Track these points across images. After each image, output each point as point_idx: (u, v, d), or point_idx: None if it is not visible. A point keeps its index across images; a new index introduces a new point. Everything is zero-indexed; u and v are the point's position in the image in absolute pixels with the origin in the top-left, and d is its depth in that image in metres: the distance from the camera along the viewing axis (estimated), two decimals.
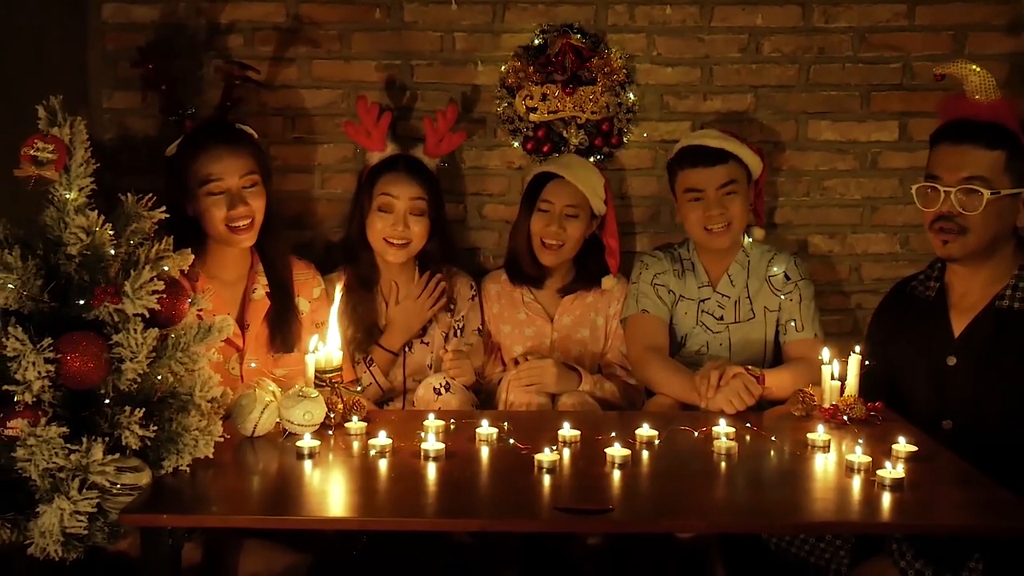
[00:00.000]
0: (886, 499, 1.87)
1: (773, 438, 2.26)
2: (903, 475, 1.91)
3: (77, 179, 1.94)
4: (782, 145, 3.26)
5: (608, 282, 3.07)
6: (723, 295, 2.97)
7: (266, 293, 2.67)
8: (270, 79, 3.24)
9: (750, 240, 3.01)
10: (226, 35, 3.25)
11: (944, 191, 2.32)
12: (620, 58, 3.23)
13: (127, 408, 1.89)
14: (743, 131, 3.19)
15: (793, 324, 2.93)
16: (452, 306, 3.06)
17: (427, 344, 3.02)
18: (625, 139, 3.29)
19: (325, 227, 3.34)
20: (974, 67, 2.36)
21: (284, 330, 2.67)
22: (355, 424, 2.27)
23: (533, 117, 3.24)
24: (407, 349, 2.99)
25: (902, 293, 2.63)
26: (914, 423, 2.35)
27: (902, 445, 2.08)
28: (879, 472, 1.92)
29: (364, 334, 2.94)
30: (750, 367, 2.54)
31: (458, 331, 3.05)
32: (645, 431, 2.21)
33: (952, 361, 2.40)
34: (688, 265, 3.03)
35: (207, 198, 2.54)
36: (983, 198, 2.28)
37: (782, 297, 2.95)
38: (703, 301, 2.99)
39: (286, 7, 3.25)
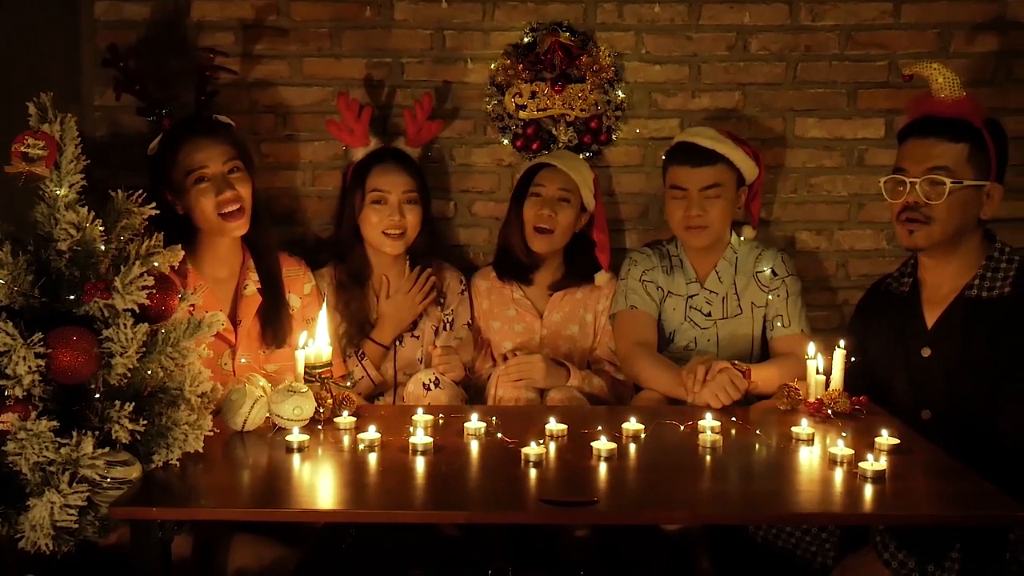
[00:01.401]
0: (868, 491, 1.90)
1: (758, 432, 2.28)
2: (885, 467, 1.94)
3: (67, 176, 1.96)
4: (769, 142, 3.28)
5: (601, 278, 3.10)
6: (711, 291, 2.99)
7: (257, 289, 2.69)
8: (260, 77, 3.26)
9: (740, 238, 3.03)
10: (217, 32, 3.26)
11: (910, 182, 2.40)
12: (609, 56, 3.24)
13: (117, 402, 1.91)
14: (731, 129, 3.20)
15: (780, 320, 2.95)
16: (442, 300, 3.08)
17: (417, 338, 3.04)
18: (614, 136, 3.31)
19: (316, 224, 3.35)
20: (939, 67, 2.44)
21: (275, 325, 2.69)
22: (344, 419, 2.29)
23: (522, 115, 3.26)
24: (398, 343, 3.01)
25: (878, 291, 2.69)
26: (895, 414, 2.38)
27: (884, 438, 2.11)
28: (861, 464, 1.95)
29: (356, 329, 2.97)
30: (736, 362, 2.57)
31: (448, 325, 3.07)
32: (632, 425, 2.23)
33: (927, 352, 2.44)
34: (676, 262, 3.05)
35: (195, 188, 2.56)
36: (946, 188, 2.35)
37: (769, 294, 2.97)
38: (691, 297, 3.01)
39: (277, 5, 3.26)
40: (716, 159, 2.89)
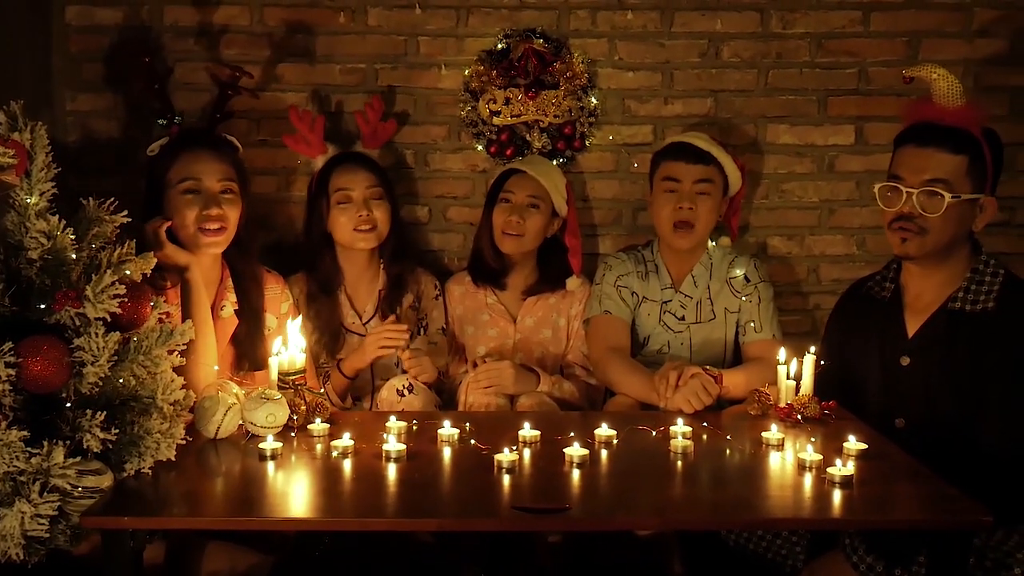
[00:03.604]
0: (836, 496, 1.92)
1: (729, 437, 2.30)
2: (852, 472, 1.96)
3: (38, 184, 1.95)
4: (741, 149, 3.30)
5: (572, 283, 3.12)
6: (686, 295, 3.02)
7: (234, 311, 2.66)
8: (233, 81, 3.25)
9: (713, 244, 3.05)
10: (190, 38, 3.25)
11: (906, 192, 2.35)
12: (582, 62, 3.26)
13: (88, 411, 1.90)
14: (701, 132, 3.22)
15: (752, 325, 2.97)
16: (416, 304, 3.07)
17: None
18: (587, 142, 3.33)
19: (290, 229, 3.35)
20: (942, 71, 2.38)
21: (251, 353, 2.66)
22: (318, 426, 2.29)
23: (496, 121, 3.28)
24: None
25: (858, 293, 2.65)
26: (868, 421, 2.39)
27: (852, 443, 2.13)
28: (829, 470, 1.97)
29: (330, 337, 2.96)
30: (708, 367, 2.59)
31: (422, 329, 3.07)
32: (604, 431, 2.24)
33: (905, 361, 2.43)
34: (652, 267, 3.07)
35: (181, 197, 2.53)
36: (944, 201, 2.30)
37: (742, 299, 3.00)
38: (666, 302, 3.03)
39: (251, 11, 3.26)
40: (710, 160, 2.93)
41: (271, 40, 3.28)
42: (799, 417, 2.38)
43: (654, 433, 2.31)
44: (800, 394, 2.44)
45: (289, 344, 2.40)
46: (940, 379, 2.37)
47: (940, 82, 2.37)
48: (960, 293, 2.39)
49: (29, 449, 1.82)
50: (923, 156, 2.34)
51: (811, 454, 2.06)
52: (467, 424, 2.31)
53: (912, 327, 2.45)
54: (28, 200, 1.94)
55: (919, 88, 2.47)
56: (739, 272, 3.01)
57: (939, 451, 2.17)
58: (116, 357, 1.97)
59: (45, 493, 1.81)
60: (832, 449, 2.14)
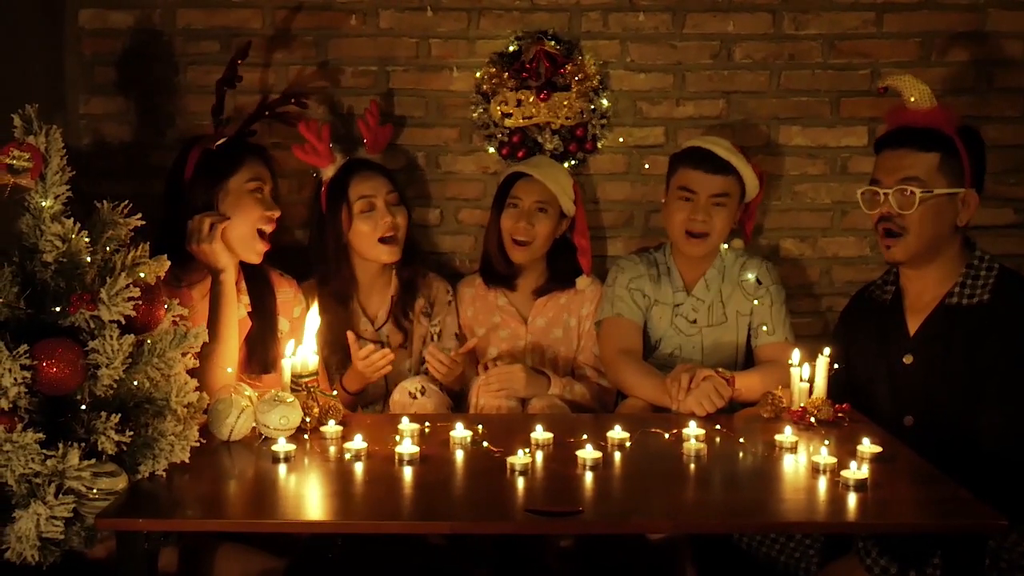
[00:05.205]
0: (851, 499, 1.91)
1: (742, 440, 2.30)
2: (867, 475, 1.96)
3: (53, 187, 1.96)
4: (753, 150, 3.28)
5: (582, 282, 3.11)
6: (698, 299, 3.01)
7: (248, 313, 2.67)
8: (246, 85, 3.24)
9: (726, 247, 3.04)
10: (202, 41, 3.27)
11: (883, 193, 2.44)
12: (594, 64, 3.26)
13: (103, 414, 1.91)
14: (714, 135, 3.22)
15: (764, 328, 2.96)
16: (429, 310, 3.07)
17: (406, 348, 3.03)
18: (599, 144, 3.32)
19: (301, 232, 3.35)
20: (911, 78, 2.50)
21: (263, 354, 2.69)
22: (331, 428, 2.29)
23: (508, 123, 3.28)
24: None
25: (862, 299, 2.71)
26: (879, 421, 2.40)
27: (866, 446, 2.12)
28: (843, 473, 1.96)
29: (342, 354, 2.91)
30: (720, 369, 2.58)
31: (435, 336, 3.07)
32: (616, 433, 2.24)
33: (909, 360, 2.47)
34: (664, 270, 3.06)
35: (250, 196, 2.62)
36: (916, 197, 2.38)
37: (755, 302, 2.99)
38: (677, 306, 3.02)
39: (263, 14, 3.27)
40: (729, 170, 2.91)
41: (282, 43, 3.28)
42: (812, 420, 2.38)
43: (667, 436, 2.31)
44: (813, 396, 2.43)
45: (302, 346, 2.41)
46: (941, 375, 2.41)
47: (910, 88, 2.49)
48: (956, 288, 2.45)
49: (44, 451, 1.83)
50: (896, 157, 2.44)
51: (825, 457, 2.06)
52: (479, 426, 2.31)
53: (913, 326, 2.50)
54: (43, 203, 1.96)
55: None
56: (751, 275, 3.01)
57: (947, 447, 2.20)
58: (130, 359, 1.98)
59: (60, 495, 1.82)
60: (846, 452, 2.14)
